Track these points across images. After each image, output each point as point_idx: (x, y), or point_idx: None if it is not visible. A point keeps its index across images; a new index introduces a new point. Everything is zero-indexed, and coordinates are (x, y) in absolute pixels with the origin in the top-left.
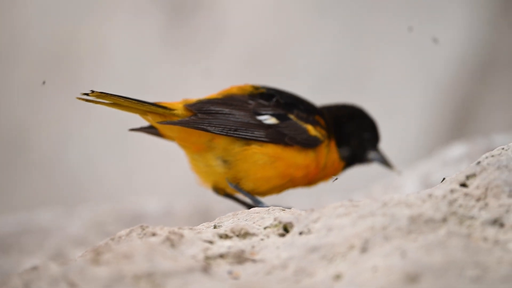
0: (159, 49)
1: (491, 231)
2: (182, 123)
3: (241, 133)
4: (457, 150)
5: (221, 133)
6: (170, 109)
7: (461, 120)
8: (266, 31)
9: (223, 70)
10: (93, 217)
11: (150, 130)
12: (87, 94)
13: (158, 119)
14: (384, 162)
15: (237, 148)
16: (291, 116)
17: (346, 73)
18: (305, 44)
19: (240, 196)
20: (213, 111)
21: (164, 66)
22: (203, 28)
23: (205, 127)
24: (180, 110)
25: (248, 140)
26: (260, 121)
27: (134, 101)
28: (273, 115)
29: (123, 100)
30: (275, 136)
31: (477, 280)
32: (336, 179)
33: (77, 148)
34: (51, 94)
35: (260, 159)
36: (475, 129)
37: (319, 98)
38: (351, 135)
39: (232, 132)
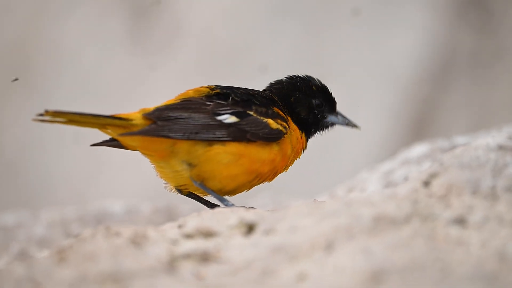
0: (122, 49)
1: (454, 230)
2: (143, 133)
3: (202, 135)
4: (418, 150)
5: (183, 137)
6: (128, 120)
7: (422, 122)
8: (228, 31)
9: (185, 70)
10: (57, 218)
11: (112, 143)
12: (42, 115)
13: (118, 131)
14: (344, 123)
15: (200, 150)
16: (251, 113)
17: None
18: (265, 44)
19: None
20: (172, 117)
21: (127, 66)
22: (166, 28)
23: (165, 133)
24: (138, 119)
25: (210, 141)
26: (220, 121)
27: (90, 116)
28: (232, 113)
29: (79, 116)
30: (237, 134)
31: (441, 280)
32: None
33: (41, 151)
34: (14, 98)
35: (224, 158)
36: (436, 130)
37: None
38: (298, 105)
39: (193, 135)
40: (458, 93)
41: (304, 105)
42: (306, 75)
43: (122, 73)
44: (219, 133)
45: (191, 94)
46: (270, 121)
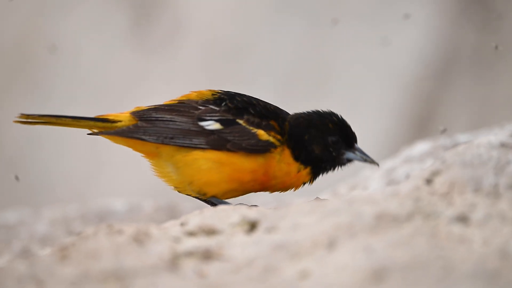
0: (123, 47)
1: (456, 228)
2: (117, 133)
3: (177, 140)
4: (420, 147)
5: (156, 141)
6: (112, 122)
7: (424, 120)
8: (230, 29)
9: (186, 68)
10: (60, 216)
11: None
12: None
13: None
14: (362, 159)
15: (179, 154)
16: (240, 121)
17: (308, 73)
18: (267, 43)
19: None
20: (153, 118)
21: (128, 64)
22: (167, 25)
23: (139, 136)
24: (125, 121)
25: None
26: (202, 127)
27: (69, 119)
28: (218, 120)
29: (55, 119)
30: (216, 142)
31: (442, 277)
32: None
33: (43, 149)
34: (16, 95)
35: (204, 164)
36: (438, 128)
37: (281, 97)
38: (312, 142)
39: (168, 140)
40: (460, 91)
41: (319, 142)
42: (325, 111)
43: (123, 71)
44: (196, 140)
45: (193, 96)
46: (260, 132)
